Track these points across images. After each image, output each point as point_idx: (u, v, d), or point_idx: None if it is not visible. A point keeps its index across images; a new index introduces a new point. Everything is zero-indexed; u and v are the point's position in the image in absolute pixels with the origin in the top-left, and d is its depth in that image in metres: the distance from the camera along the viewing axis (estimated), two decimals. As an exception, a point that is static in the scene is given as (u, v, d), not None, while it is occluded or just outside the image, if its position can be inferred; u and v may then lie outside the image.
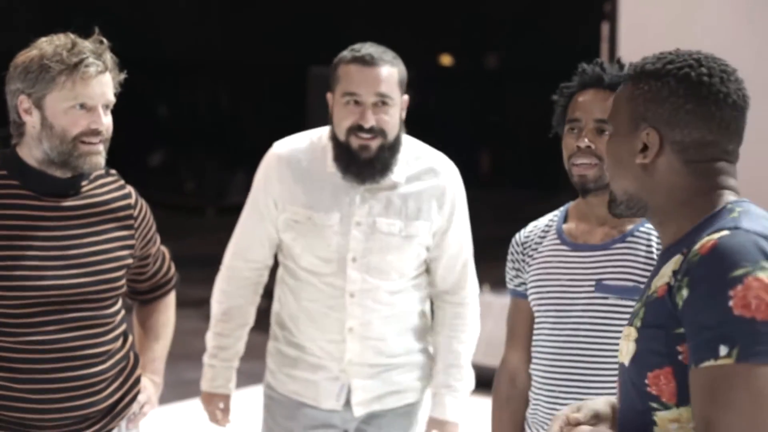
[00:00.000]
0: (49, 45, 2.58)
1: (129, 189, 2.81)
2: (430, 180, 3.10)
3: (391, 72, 2.99)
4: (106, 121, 2.61)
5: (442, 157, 3.15)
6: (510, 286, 2.77)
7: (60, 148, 2.59)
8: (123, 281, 2.74)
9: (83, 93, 2.57)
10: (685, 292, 1.68)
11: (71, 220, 2.66)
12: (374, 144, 2.98)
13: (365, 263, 3.03)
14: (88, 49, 2.58)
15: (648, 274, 2.50)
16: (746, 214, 1.74)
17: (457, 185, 3.13)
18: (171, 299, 3.03)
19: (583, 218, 2.67)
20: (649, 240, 2.57)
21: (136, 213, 2.78)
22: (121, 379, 2.75)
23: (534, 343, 2.68)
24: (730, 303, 1.61)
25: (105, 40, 2.64)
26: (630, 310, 2.49)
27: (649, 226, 2.56)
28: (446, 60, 21.67)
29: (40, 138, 2.60)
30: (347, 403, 3.10)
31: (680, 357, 1.70)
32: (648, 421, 1.75)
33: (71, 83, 2.56)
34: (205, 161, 17.87)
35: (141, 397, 2.82)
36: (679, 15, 7.92)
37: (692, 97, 1.79)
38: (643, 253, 2.56)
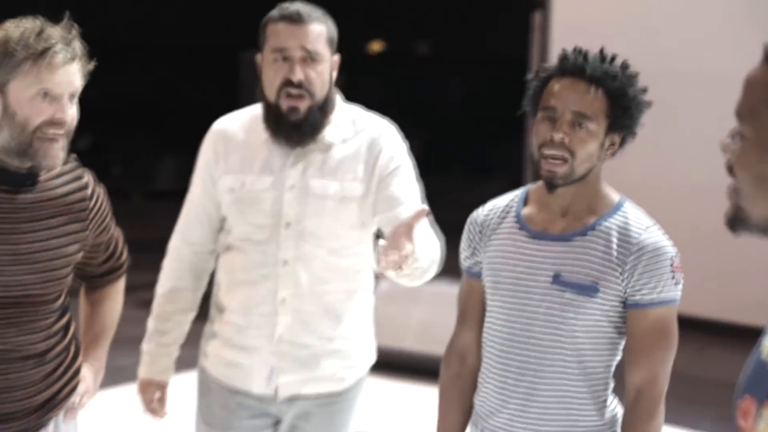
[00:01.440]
0: (16, 29, 2.46)
1: (86, 178, 2.69)
2: (366, 142, 3.00)
3: (319, 29, 2.95)
4: (71, 112, 2.50)
5: (381, 120, 3.07)
6: (464, 264, 2.71)
7: (20, 138, 2.47)
8: (70, 277, 2.65)
9: (49, 81, 2.45)
10: None
11: (23, 213, 2.55)
12: (303, 105, 2.93)
13: (299, 229, 2.95)
14: (57, 35, 2.47)
15: (606, 270, 2.49)
16: None
17: (396, 146, 3.01)
18: (121, 284, 2.93)
19: (545, 206, 2.59)
20: (609, 236, 2.52)
21: (91, 205, 2.68)
22: (59, 372, 2.67)
23: (487, 327, 2.63)
24: None
25: (76, 26, 2.52)
26: (587, 307, 2.48)
27: (611, 222, 2.53)
28: (376, 46, 21.67)
29: (0, 125, 2.48)
30: (276, 390, 3.04)
31: None
32: None
33: (36, 70, 2.44)
34: (133, 145, 17.68)
35: (80, 388, 2.75)
36: (612, 5, 8.00)
37: None
38: (601, 250, 2.51)
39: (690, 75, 7.64)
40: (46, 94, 2.45)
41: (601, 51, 2.56)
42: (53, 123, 2.46)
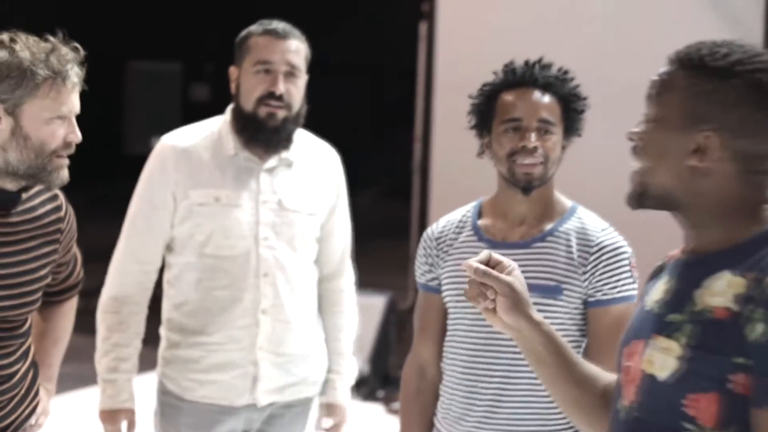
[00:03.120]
0: (23, 46, 2.37)
1: (60, 199, 2.62)
2: (323, 161, 3.18)
3: (300, 46, 3.07)
4: (79, 133, 2.44)
5: (326, 144, 3.25)
6: (421, 280, 2.77)
7: (34, 162, 2.39)
8: (40, 300, 2.60)
9: (66, 103, 2.39)
10: (760, 328, 1.59)
11: (7, 236, 2.48)
12: (281, 113, 3.02)
13: (275, 242, 3.05)
14: (70, 57, 2.40)
15: (569, 272, 2.58)
16: None
17: (341, 171, 3.24)
18: (74, 302, 2.87)
19: (501, 215, 2.68)
20: (568, 239, 2.62)
21: (64, 226, 2.62)
22: (21, 395, 2.61)
23: (450, 338, 2.69)
24: None
25: (79, 47, 2.45)
26: (552, 308, 2.57)
27: (568, 226, 2.64)
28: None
29: (4, 147, 2.38)
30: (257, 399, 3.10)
31: (730, 385, 1.62)
32: None
33: (56, 93, 2.37)
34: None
35: (38, 409, 2.70)
36: (497, 15, 8.16)
37: (763, 106, 1.69)
38: (563, 253, 2.61)
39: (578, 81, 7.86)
40: (59, 117, 2.39)
41: (540, 60, 2.67)
42: (67, 145, 2.42)
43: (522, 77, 2.64)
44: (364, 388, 6.17)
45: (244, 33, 3.10)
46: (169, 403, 3.11)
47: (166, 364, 3.12)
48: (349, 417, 3.29)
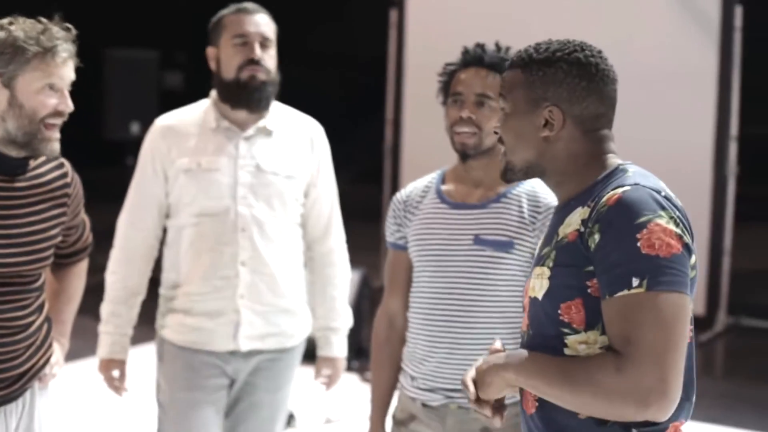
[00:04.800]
0: (18, 28, 2.68)
1: (66, 167, 2.92)
2: (302, 131, 3.50)
3: (268, 20, 3.45)
4: (71, 104, 2.74)
5: (312, 119, 3.57)
6: (390, 240, 3.11)
7: (27, 128, 2.69)
8: (52, 257, 2.89)
9: (55, 75, 2.69)
10: (596, 237, 2.02)
11: (17, 199, 2.77)
12: (261, 75, 3.37)
13: (253, 200, 3.37)
14: (60, 33, 2.71)
15: (520, 229, 2.91)
16: (639, 174, 2.09)
17: (324, 137, 3.55)
18: (85, 264, 3.16)
19: (461, 181, 3.02)
20: (519, 201, 2.95)
21: (71, 191, 2.91)
22: (37, 345, 2.89)
23: (414, 290, 3.02)
24: (638, 244, 1.96)
25: (71, 28, 2.76)
26: (505, 261, 2.91)
27: (521, 189, 2.96)
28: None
29: (4, 117, 2.69)
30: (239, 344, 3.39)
31: (589, 290, 2.04)
32: (559, 344, 2.08)
33: (45, 65, 2.67)
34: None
35: (52, 359, 2.97)
36: (466, 1, 8.40)
37: (585, 76, 2.13)
38: (515, 212, 2.93)
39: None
40: (51, 87, 2.70)
41: (497, 43, 3.00)
42: (57, 113, 2.72)
43: (472, 57, 2.97)
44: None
45: (217, 16, 3.45)
46: (166, 350, 3.45)
47: (162, 317, 3.47)
48: (342, 369, 3.62)
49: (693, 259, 2.03)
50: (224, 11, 3.45)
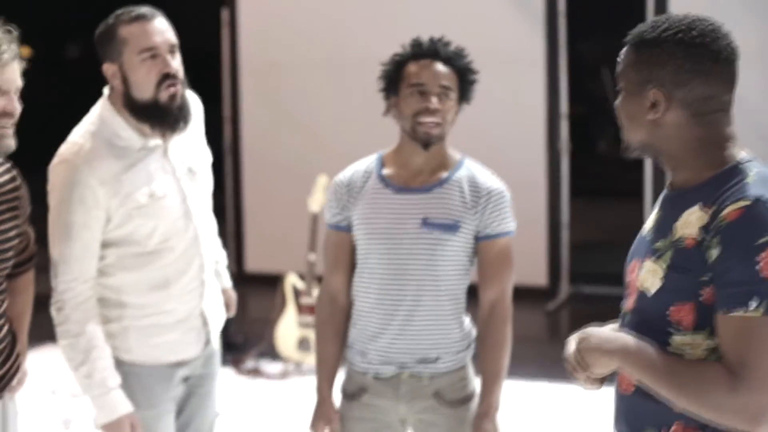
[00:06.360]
0: None
1: (14, 171, 2.89)
2: (197, 127, 3.31)
3: (167, 23, 3.15)
4: (18, 106, 2.71)
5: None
6: (332, 221, 3.22)
7: None
8: (12, 260, 2.84)
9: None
10: (716, 252, 2.02)
11: None
12: (180, 91, 3.12)
13: (197, 203, 3.23)
14: (1, 38, 2.66)
15: (464, 212, 3.08)
16: (761, 182, 2.06)
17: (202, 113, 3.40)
18: (32, 275, 3.09)
19: (402, 166, 3.17)
20: (461, 185, 3.13)
21: (21, 194, 2.88)
22: (7, 352, 2.87)
23: (362, 270, 3.18)
24: (758, 267, 1.97)
25: (13, 29, 2.71)
26: (451, 242, 3.08)
27: (460, 174, 3.14)
28: (25, 52, 21.11)
29: None
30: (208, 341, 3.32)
31: (702, 298, 2.06)
32: (664, 340, 2.11)
33: None
34: None
35: (22, 368, 2.95)
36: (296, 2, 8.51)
37: (690, 57, 2.09)
38: (458, 196, 3.11)
39: (370, 62, 8.28)
40: None
41: (441, 38, 3.14)
42: (5, 114, 2.68)
43: (428, 50, 3.12)
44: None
45: (106, 27, 3.11)
46: (130, 372, 3.18)
47: (115, 338, 3.18)
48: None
49: None
50: (114, 20, 3.09)
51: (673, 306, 2.11)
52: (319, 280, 6.19)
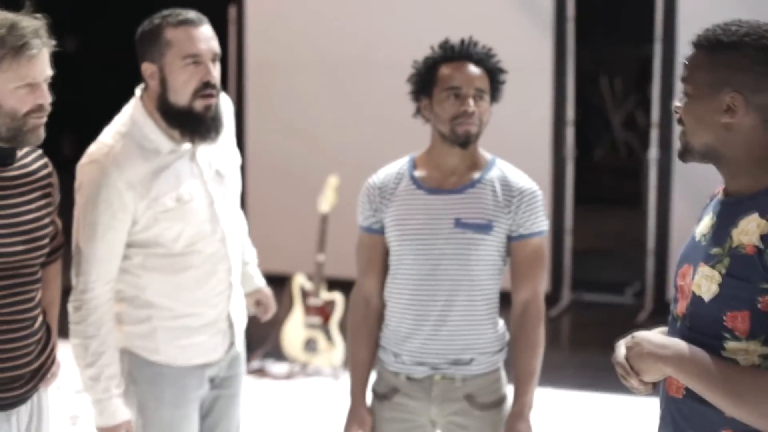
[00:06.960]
0: None
1: (46, 158, 2.90)
2: (227, 137, 3.32)
3: (212, 31, 3.15)
4: (49, 96, 2.70)
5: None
6: (365, 224, 3.25)
7: (10, 125, 2.67)
8: (48, 247, 2.86)
9: (29, 74, 2.64)
10: None
11: (10, 189, 2.76)
12: (215, 102, 3.13)
13: (224, 206, 3.24)
14: (28, 27, 2.64)
15: (497, 212, 3.10)
16: None
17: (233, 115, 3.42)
18: (60, 265, 3.07)
19: (436, 168, 3.19)
20: (493, 185, 3.16)
21: (53, 181, 2.90)
22: (43, 342, 2.88)
23: (396, 271, 3.19)
24: None
25: (40, 16, 2.69)
26: (484, 242, 3.10)
27: (492, 175, 3.16)
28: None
29: None
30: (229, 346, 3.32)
31: (759, 305, 2.07)
32: (718, 346, 2.11)
33: (16, 65, 2.62)
34: None
35: (57, 359, 2.96)
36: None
37: None
38: (491, 196, 3.14)
39: (377, 63, 8.28)
40: (27, 85, 2.65)
41: (471, 38, 3.16)
42: (37, 109, 2.68)
43: (459, 52, 3.14)
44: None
45: (151, 26, 3.11)
46: (153, 373, 3.21)
47: (143, 338, 3.21)
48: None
49: None
50: (161, 21, 3.09)
51: (729, 312, 2.11)
52: (328, 281, 6.30)
